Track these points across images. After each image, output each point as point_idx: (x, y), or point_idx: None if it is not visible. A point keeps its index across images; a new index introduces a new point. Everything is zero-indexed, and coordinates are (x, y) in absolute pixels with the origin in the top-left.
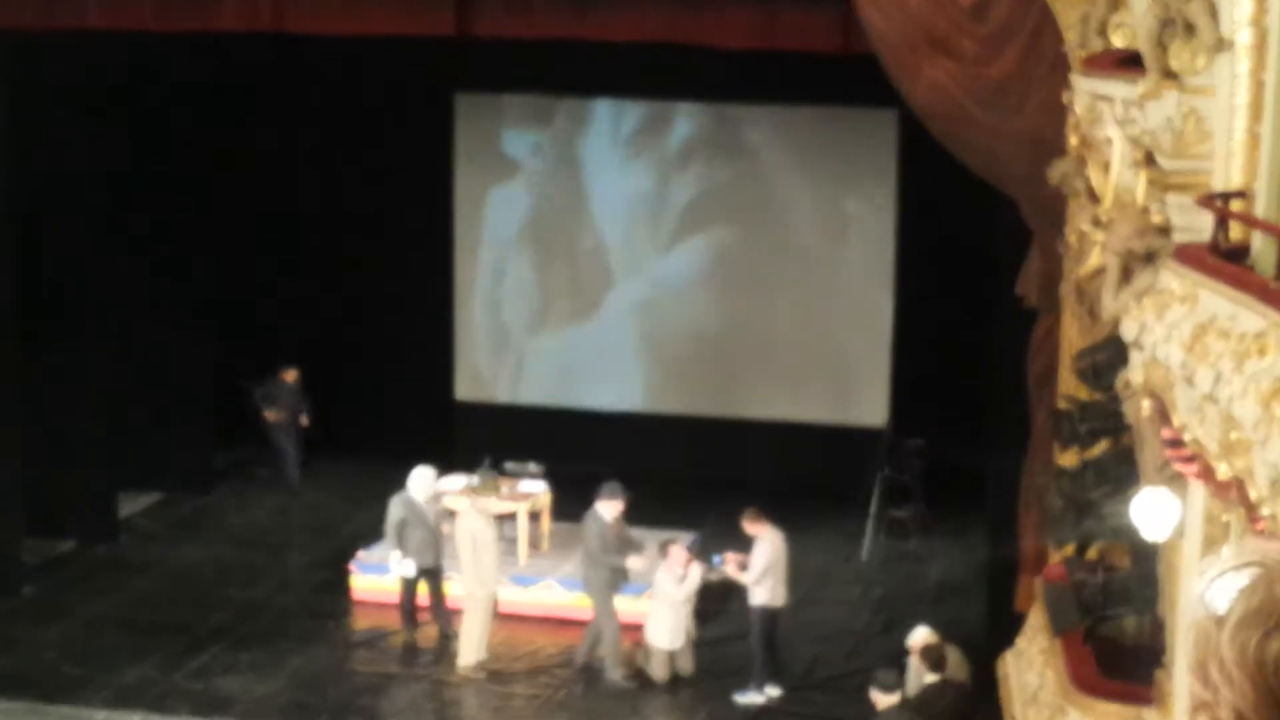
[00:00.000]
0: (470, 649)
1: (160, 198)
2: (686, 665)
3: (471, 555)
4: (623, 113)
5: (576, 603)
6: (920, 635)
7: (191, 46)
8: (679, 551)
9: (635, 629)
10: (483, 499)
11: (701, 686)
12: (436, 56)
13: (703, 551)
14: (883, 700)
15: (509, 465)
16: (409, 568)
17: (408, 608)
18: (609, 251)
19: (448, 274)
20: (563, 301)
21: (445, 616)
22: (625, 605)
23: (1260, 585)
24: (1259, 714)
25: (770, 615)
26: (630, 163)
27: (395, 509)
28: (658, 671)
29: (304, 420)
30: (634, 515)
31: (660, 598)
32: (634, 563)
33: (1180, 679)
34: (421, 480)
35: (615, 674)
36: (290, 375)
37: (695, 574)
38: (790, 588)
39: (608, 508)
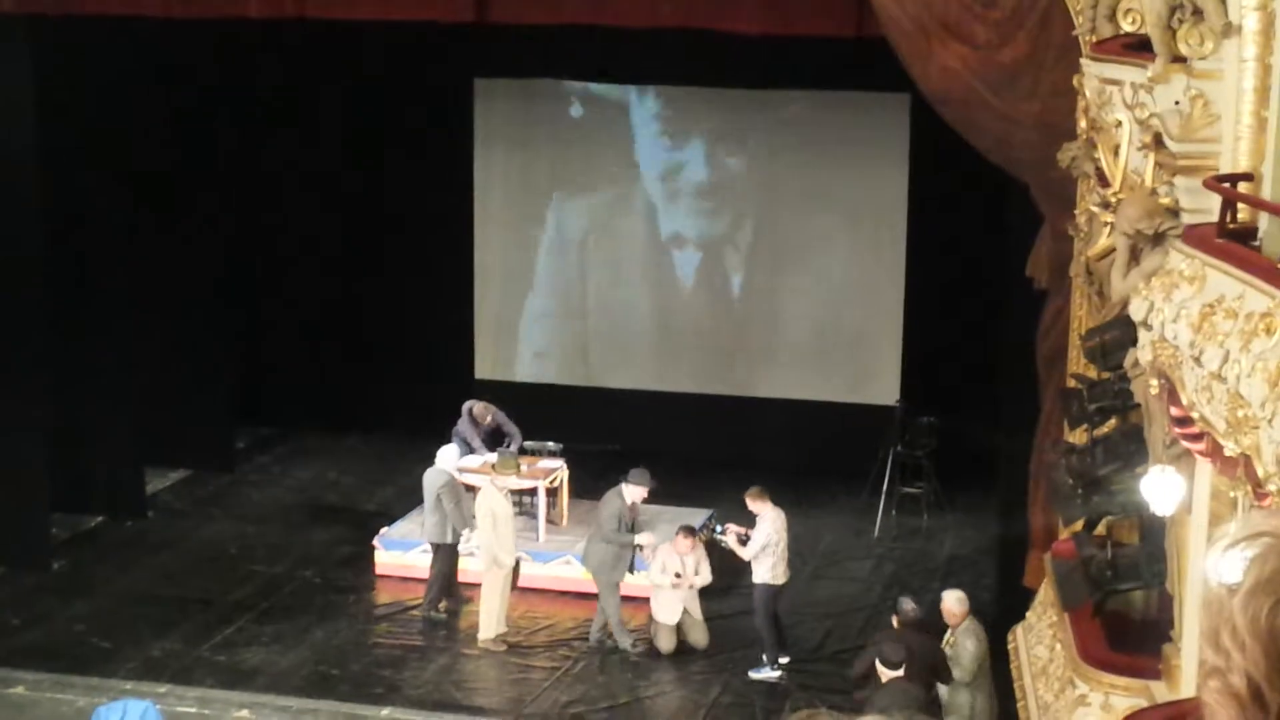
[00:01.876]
0: (490, 623)
1: (183, 179)
2: (700, 639)
3: (491, 531)
4: (638, 98)
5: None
6: (952, 599)
7: (213, 31)
8: (683, 541)
9: (640, 601)
10: (502, 476)
11: (716, 660)
12: (455, 42)
13: (708, 532)
14: (887, 674)
15: (528, 443)
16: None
17: (450, 583)
18: (625, 233)
19: (468, 255)
20: (580, 282)
21: (458, 591)
22: (631, 580)
23: (1271, 555)
24: (1270, 680)
25: (771, 592)
26: (645, 147)
27: (450, 489)
28: (663, 644)
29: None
30: (651, 493)
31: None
32: (643, 538)
33: (1188, 652)
34: (450, 456)
35: (624, 642)
36: (481, 411)
37: (689, 564)
38: (802, 563)
39: (632, 491)
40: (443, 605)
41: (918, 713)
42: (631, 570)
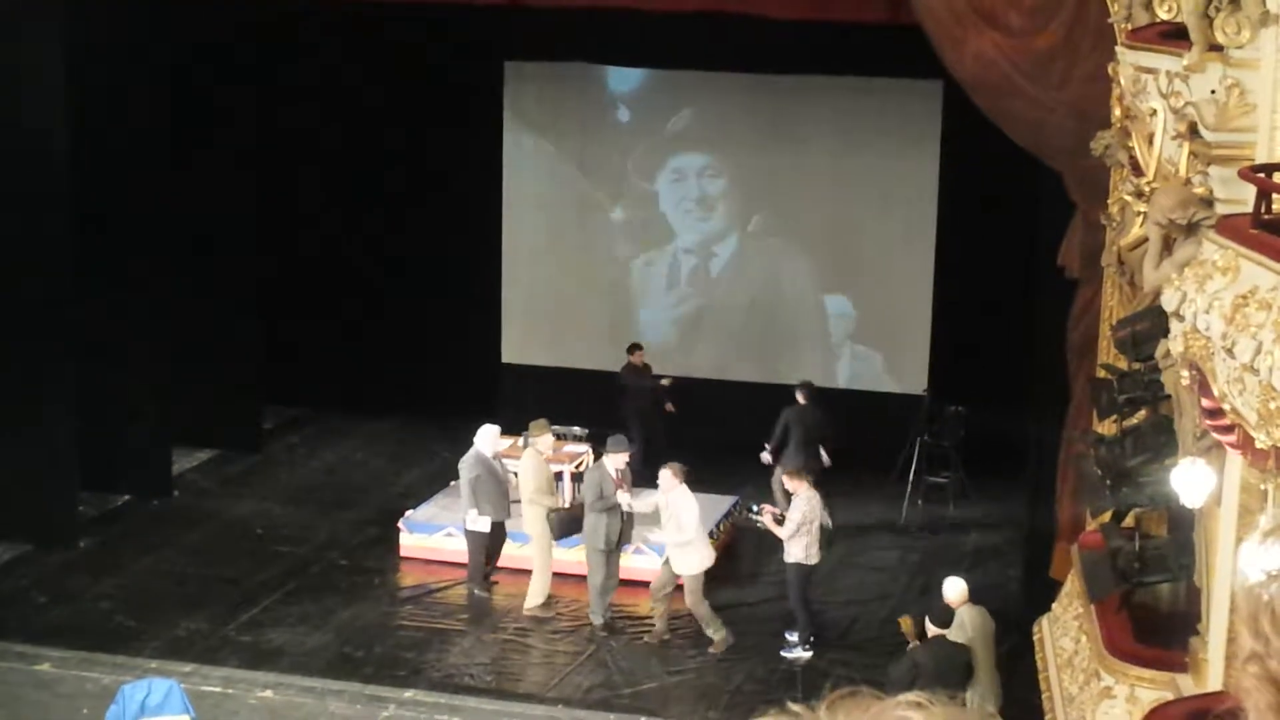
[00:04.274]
0: (538, 592)
1: (212, 158)
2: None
3: (548, 496)
4: (669, 82)
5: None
6: (954, 588)
7: (246, 11)
8: (664, 474)
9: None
10: (541, 439)
11: (740, 647)
12: (486, 25)
13: (740, 513)
14: (933, 630)
15: (554, 428)
16: (484, 523)
17: (479, 562)
18: (653, 218)
19: (496, 238)
20: (607, 267)
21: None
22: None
23: None
24: None
25: (805, 572)
26: (676, 131)
27: (469, 467)
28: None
29: (669, 407)
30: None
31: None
32: (624, 497)
33: (1215, 646)
34: (489, 437)
35: (596, 619)
36: (638, 356)
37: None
38: (829, 551)
39: (613, 460)
40: (487, 581)
41: (964, 675)
42: (623, 539)
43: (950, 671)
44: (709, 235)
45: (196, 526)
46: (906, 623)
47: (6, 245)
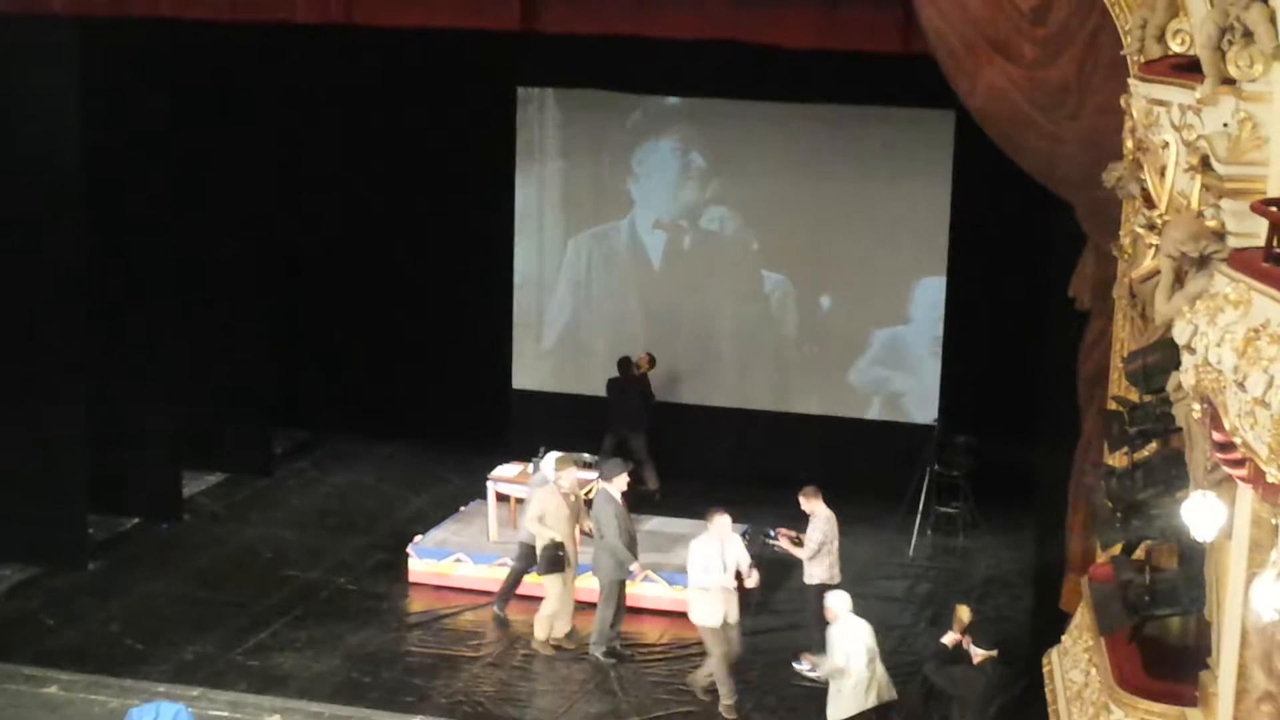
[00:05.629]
0: (541, 626)
1: (223, 184)
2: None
3: (545, 528)
4: (681, 109)
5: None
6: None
7: (255, 35)
8: (719, 518)
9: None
10: (564, 474)
11: (748, 675)
12: (499, 51)
13: (751, 542)
14: (979, 655)
15: (563, 455)
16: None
17: (511, 584)
18: (665, 246)
19: (507, 264)
20: (618, 294)
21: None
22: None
23: None
24: None
25: (827, 592)
26: (688, 159)
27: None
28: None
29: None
30: (682, 508)
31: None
32: (635, 568)
33: (1225, 680)
34: (551, 465)
35: (597, 650)
36: (644, 361)
37: (732, 553)
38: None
39: (615, 486)
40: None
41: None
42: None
43: (994, 695)
44: (719, 263)
45: (205, 550)
46: (965, 612)
47: (17, 268)
